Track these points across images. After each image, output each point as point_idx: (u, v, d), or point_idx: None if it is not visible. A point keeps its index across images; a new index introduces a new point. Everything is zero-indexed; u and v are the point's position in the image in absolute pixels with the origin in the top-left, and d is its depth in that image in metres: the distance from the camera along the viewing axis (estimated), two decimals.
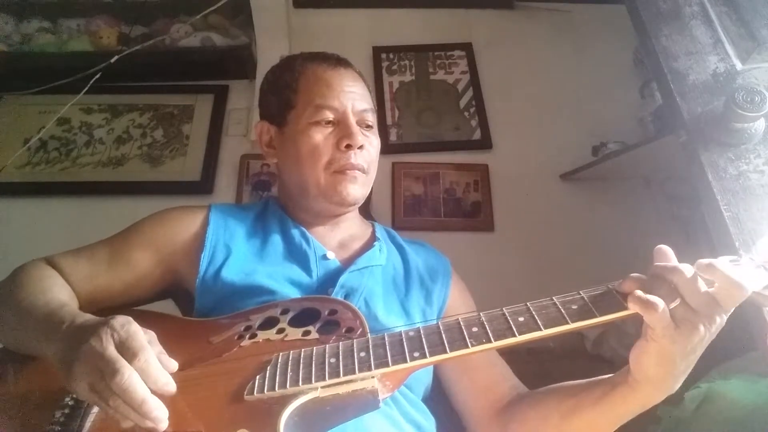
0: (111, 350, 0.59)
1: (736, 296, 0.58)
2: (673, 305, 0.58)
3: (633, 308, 0.60)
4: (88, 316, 0.69)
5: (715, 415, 0.90)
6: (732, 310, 0.59)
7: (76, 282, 0.85)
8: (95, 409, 0.66)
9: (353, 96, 0.95)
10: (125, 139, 1.92)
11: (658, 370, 0.62)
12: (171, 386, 0.62)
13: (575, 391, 0.76)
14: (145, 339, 0.62)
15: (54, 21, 2.04)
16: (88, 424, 0.65)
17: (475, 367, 0.89)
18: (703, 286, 0.58)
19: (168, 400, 0.61)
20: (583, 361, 1.49)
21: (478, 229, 1.78)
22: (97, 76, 1.81)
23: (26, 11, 2.03)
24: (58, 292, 0.80)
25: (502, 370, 0.91)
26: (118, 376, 0.57)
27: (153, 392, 0.60)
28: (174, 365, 0.64)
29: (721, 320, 0.59)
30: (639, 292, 0.59)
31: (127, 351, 0.60)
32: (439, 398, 0.93)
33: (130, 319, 0.63)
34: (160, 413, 0.59)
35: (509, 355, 0.95)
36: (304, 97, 0.94)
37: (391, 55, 2.10)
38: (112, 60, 1.81)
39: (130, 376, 0.58)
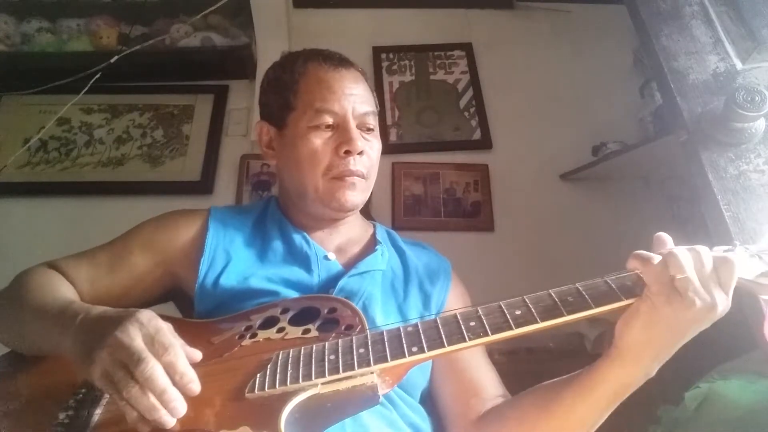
0: (138, 342, 0.61)
1: (729, 270, 0.61)
2: (680, 276, 0.60)
3: (633, 264, 0.63)
4: (104, 307, 0.71)
5: (715, 415, 0.90)
6: (731, 296, 0.61)
7: (78, 285, 0.86)
8: (99, 410, 0.67)
9: (354, 99, 0.92)
10: (125, 139, 1.92)
11: (642, 335, 0.63)
12: (195, 384, 0.63)
13: (554, 385, 0.76)
14: (171, 335, 0.64)
15: (54, 21, 2.04)
16: (92, 424, 0.65)
17: (462, 369, 0.88)
18: (709, 265, 0.61)
19: None
20: (583, 361, 1.47)
21: (478, 229, 1.78)
22: (97, 76, 1.81)
23: (26, 11, 2.02)
24: (66, 292, 0.82)
25: (490, 377, 0.89)
26: (143, 364, 0.59)
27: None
28: (198, 355, 0.67)
29: (721, 306, 0.61)
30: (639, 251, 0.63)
31: (158, 346, 0.62)
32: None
33: (154, 314, 0.66)
34: (178, 404, 0.61)
35: (509, 355, 0.95)
36: (304, 99, 0.92)
37: (391, 55, 2.10)
38: (112, 60, 1.81)
39: (154, 365, 0.60)
